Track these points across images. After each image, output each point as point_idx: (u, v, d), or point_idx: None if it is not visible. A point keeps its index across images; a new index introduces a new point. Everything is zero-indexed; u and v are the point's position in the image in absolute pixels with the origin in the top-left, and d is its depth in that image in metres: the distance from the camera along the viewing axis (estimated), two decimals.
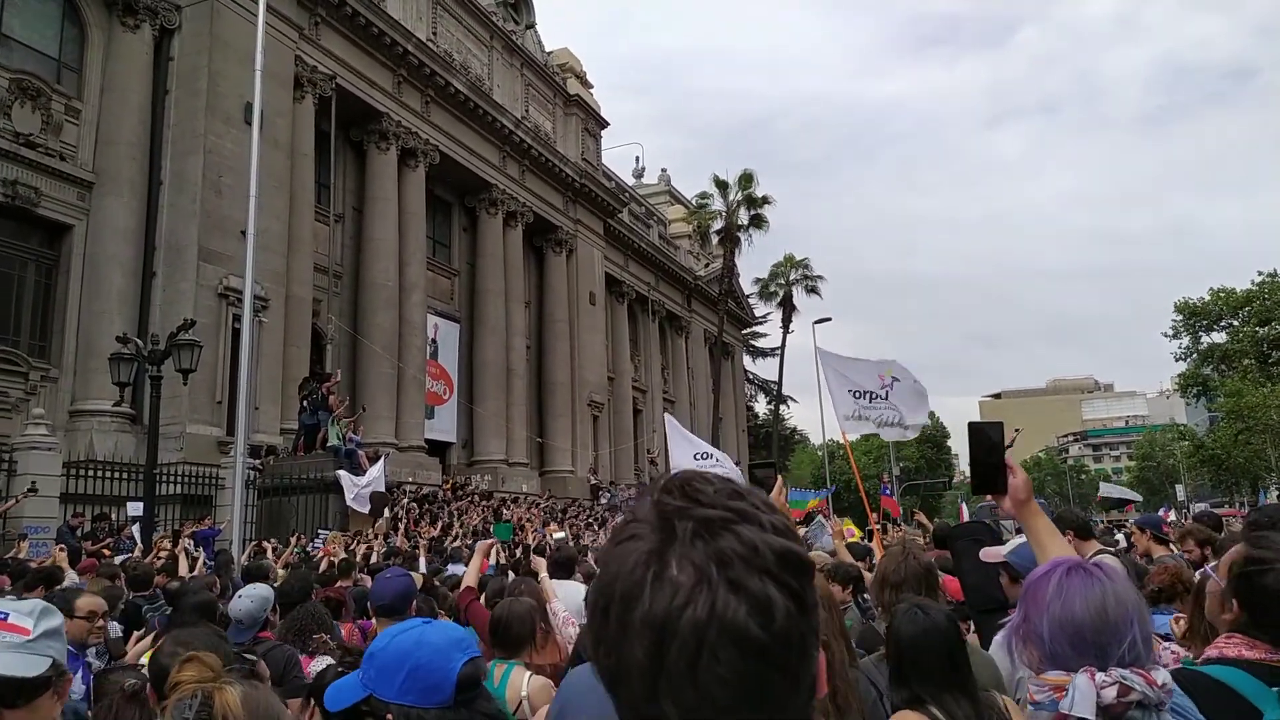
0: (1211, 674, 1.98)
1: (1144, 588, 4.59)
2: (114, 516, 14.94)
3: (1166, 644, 3.54)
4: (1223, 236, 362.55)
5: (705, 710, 0.71)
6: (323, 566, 9.97)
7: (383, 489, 17.55)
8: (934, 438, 73.67)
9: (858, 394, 8.71)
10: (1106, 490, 38.02)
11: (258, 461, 18.05)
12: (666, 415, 10.91)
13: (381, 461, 18.24)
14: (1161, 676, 1.64)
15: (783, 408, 58.36)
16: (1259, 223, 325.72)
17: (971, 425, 2.15)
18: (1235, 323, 43.66)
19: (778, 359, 52.82)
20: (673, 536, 0.76)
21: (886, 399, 8.75)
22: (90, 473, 16.48)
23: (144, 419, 16.12)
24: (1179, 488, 58.34)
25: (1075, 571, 1.75)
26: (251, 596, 4.53)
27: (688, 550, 0.74)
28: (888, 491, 25.45)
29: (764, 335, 59.71)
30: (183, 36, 20.85)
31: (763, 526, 0.77)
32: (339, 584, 7.92)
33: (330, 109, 24.35)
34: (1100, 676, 1.62)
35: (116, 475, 16.73)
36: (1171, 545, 6.55)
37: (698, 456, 9.75)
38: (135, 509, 14.39)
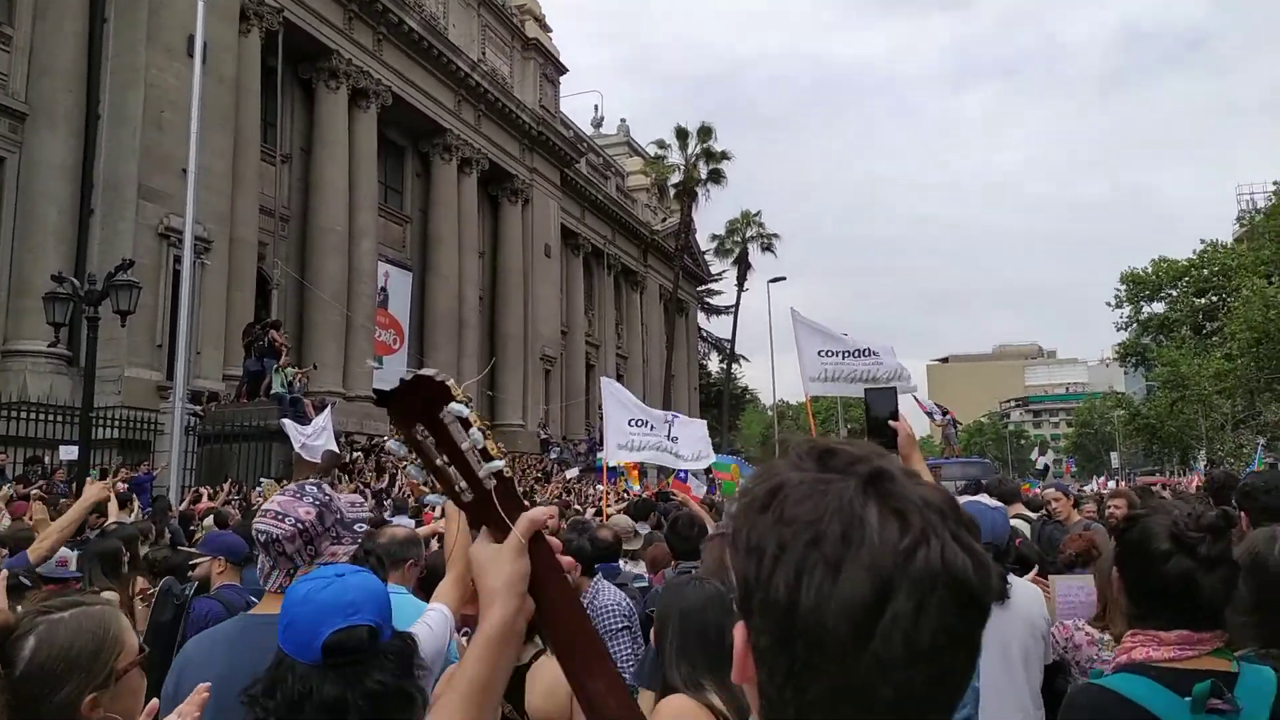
0: (1118, 689, 1.81)
1: (1061, 553, 4.67)
2: (47, 460, 14.54)
3: (1079, 626, 3.49)
4: (1173, 204, 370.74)
5: (924, 653, 0.69)
6: None
7: (331, 439, 17.29)
8: (895, 390, 74.64)
9: (827, 353, 8.68)
10: (1041, 460, 39.52)
11: (199, 407, 17.67)
12: (604, 379, 10.58)
13: (328, 411, 17.92)
14: None
15: (735, 366, 58.72)
16: (1207, 191, 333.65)
17: (868, 391, 2.66)
18: (1174, 293, 44.72)
19: (732, 317, 53.00)
20: (883, 479, 0.73)
21: (865, 355, 8.74)
22: (22, 414, 15.99)
23: (80, 361, 15.64)
24: (1114, 455, 60.13)
25: None
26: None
27: (906, 493, 0.72)
28: None
29: (719, 293, 59.83)
30: None
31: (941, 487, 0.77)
32: None
33: (278, 44, 23.52)
34: None
35: (50, 418, 16.27)
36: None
37: (632, 423, 9.39)
38: (69, 452, 14.01)
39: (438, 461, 1.20)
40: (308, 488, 2.51)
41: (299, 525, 2.35)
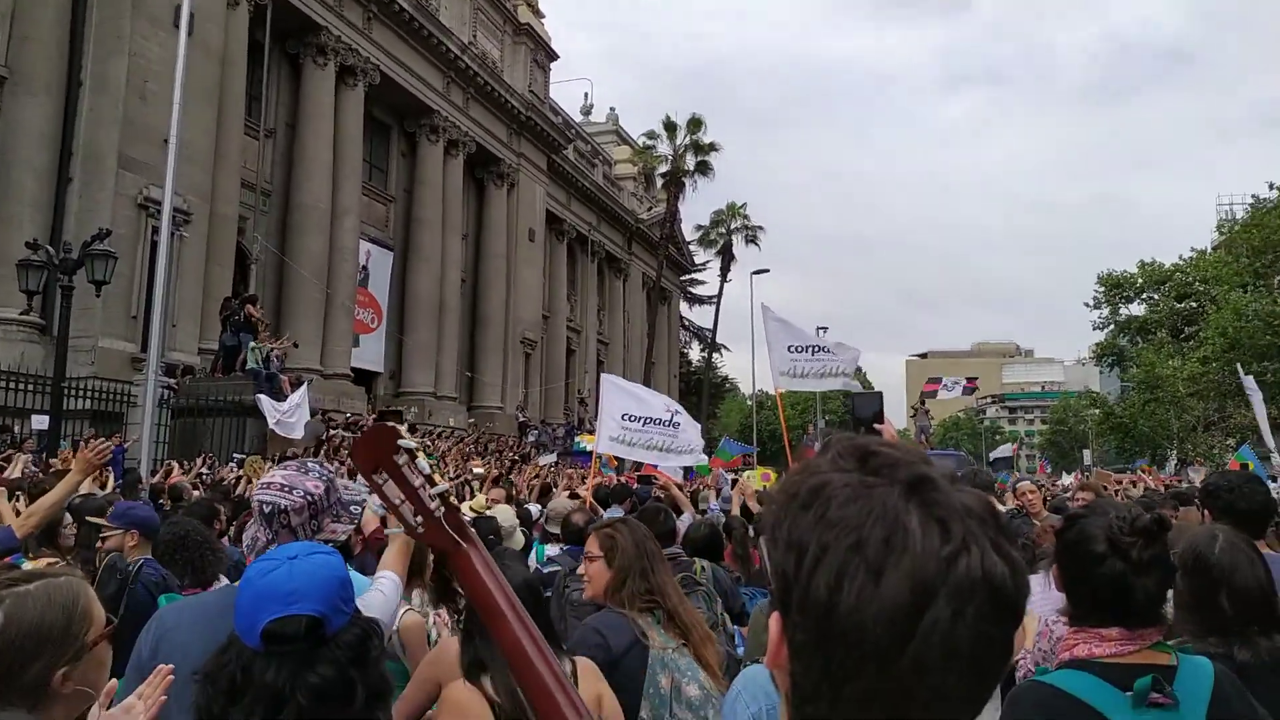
0: (1059, 685, 1.84)
1: (1038, 545, 4.73)
2: (17, 429, 14.41)
3: (1058, 620, 3.62)
4: (1153, 212, 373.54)
5: (962, 657, 0.71)
6: (239, 490, 9.80)
7: (306, 415, 17.23)
8: (880, 393, 74.98)
9: (796, 349, 8.78)
10: (998, 452, 40.06)
11: (173, 380, 17.54)
12: (605, 376, 10.44)
13: (304, 387, 17.85)
14: None
15: (716, 356, 58.85)
16: (1186, 200, 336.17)
17: (855, 395, 2.60)
18: (1156, 296, 45.11)
19: (714, 307, 53.08)
20: (927, 485, 0.74)
21: (825, 351, 8.87)
22: None
23: (54, 330, 15.49)
24: (1086, 452, 60.72)
25: None
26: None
27: (950, 501, 0.74)
28: (811, 443, 25.98)
29: (702, 283, 59.85)
30: None
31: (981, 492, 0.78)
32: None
33: (265, 18, 23.29)
34: None
35: (21, 386, 16.10)
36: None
37: (626, 417, 9.23)
38: (40, 422, 13.89)
39: (395, 502, 1.45)
40: (310, 464, 2.50)
41: (309, 497, 2.32)
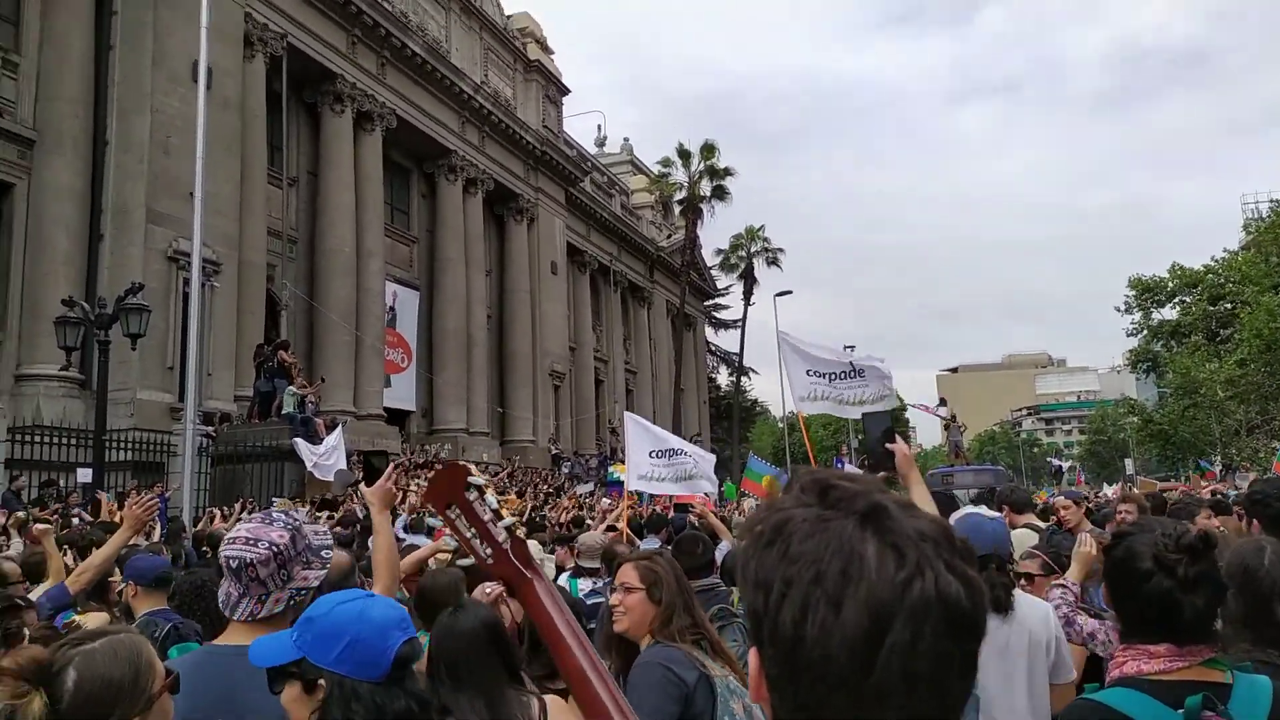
0: (1108, 702, 1.82)
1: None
2: (62, 483, 14.59)
3: (1066, 612, 3.59)
4: (1179, 215, 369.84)
5: (923, 679, 0.73)
6: None
7: (344, 459, 17.33)
8: (890, 411, 74.40)
9: (815, 374, 8.72)
10: (1056, 462, 39.46)
11: (211, 428, 17.73)
12: (627, 414, 10.90)
13: (339, 430, 17.99)
14: None
15: (744, 379, 58.66)
16: (1211, 201, 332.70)
17: (865, 415, 2.74)
18: (1188, 300, 44.53)
19: (739, 331, 52.95)
20: (880, 515, 0.77)
21: (849, 376, 8.77)
22: (37, 438, 16.07)
23: (93, 384, 15.73)
24: (1128, 461, 59.74)
25: None
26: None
27: (903, 528, 0.77)
28: (842, 464, 25.72)
29: (726, 307, 59.79)
30: None
31: (936, 515, 0.82)
32: None
33: (282, 69, 23.73)
34: None
35: (65, 441, 16.34)
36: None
37: (653, 454, 9.62)
38: (85, 475, 14.07)
39: (466, 535, 1.58)
40: (274, 514, 2.51)
41: (274, 549, 2.32)
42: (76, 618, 4.20)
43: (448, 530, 1.66)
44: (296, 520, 2.49)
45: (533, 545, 6.75)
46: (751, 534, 0.83)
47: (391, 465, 15.51)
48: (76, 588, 4.16)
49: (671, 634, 2.95)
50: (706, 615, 3.17)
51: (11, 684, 1.55)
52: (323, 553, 2.51)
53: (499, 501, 1.58)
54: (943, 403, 22.70)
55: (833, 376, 8.61)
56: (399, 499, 17.23)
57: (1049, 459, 42.25)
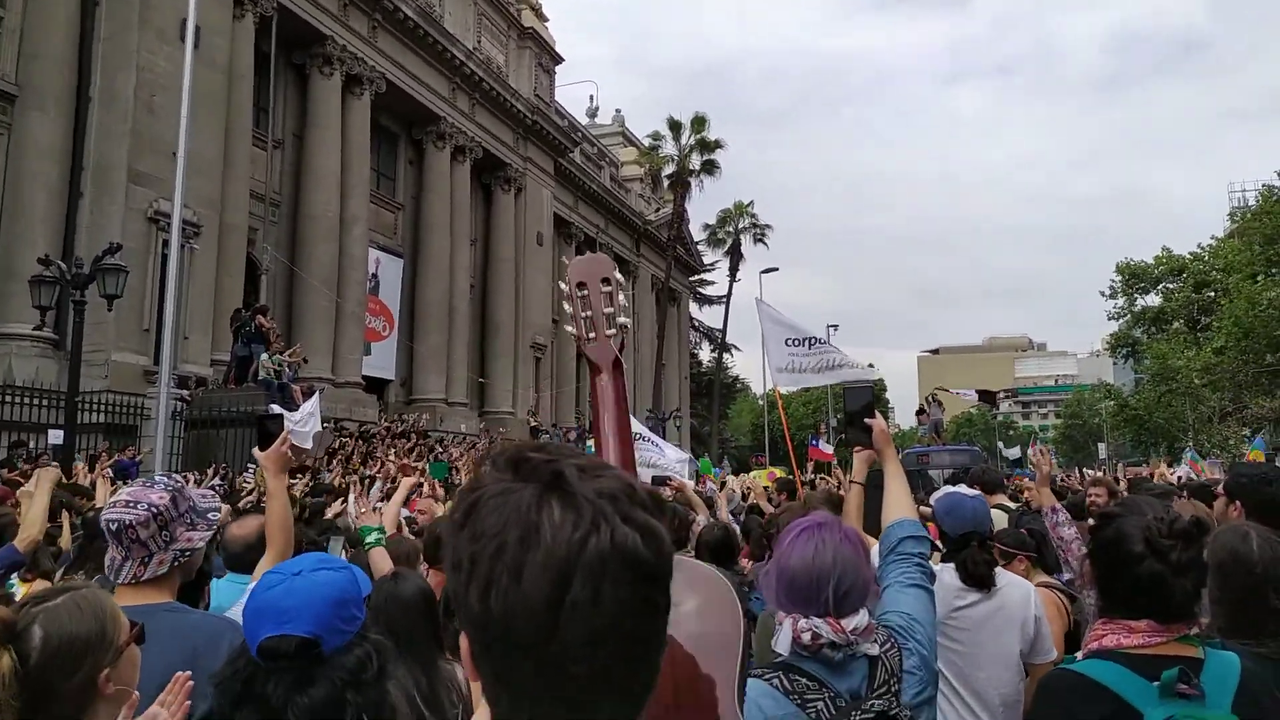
0: (1086, 673, 1.88)
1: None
2: (32, 444, 14.50)
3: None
4: (1167, 203, 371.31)
5: (608, 633, 0.75)
6: (244, 501, 9.80)
7: (318, 425, 17.25)
8: (872, 385, 74.68)
9: (794, 342, 8.70)
10: (1009, 453, 40.04)
11: (186, 392, 17.62)
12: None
13: (316, 397, 17.82)
14: (854, 623, 1.95)
15: (726, 356, 58.75)
16: (1200, 190, 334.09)
17: (846, 389, 2.66)
18: (1172, 286, 44.82)
19: (724, 307, 52.97)
20: (559, 480, 0.79)
21: (824, 343, 8.77)
22: (8, 398, 15.93)
23: (67, 345, 15.58)
24: (1101, 446, 60.37)
25: (805, 531, 2.05)
26: None
27: (579, 489, 0.78)
28: (816, 442, 25.86)
29: (712, 283, 59.74)
30: None
31: (623, 473, 0.84)
32: None
33: (271, 29, 23.38)
34: (801, 622, 1.96)
35: (36, 401, 16.21)
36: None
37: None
38: (56, 436, 13.98)
39: (581, 313, 1.74)
40: (158, 477, 2.56)
41: (153, 510, 2.36)
42: (19, 588, 4.18)
43: (566, 305, 1.79)
44: (179, 483, 2.53)
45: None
46: (450, 517, 0.84)
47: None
48: (24, 546, 4.14)
49: None
50: None
51: None
52: (209, 514, 2.54)
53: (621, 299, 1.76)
54: (938, 402, 22.77)
55: (812, 342, 8.62)
56: (369, 466, 17.21)
57: (1009, 450, 42.73)
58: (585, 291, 1.73)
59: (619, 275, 1.75)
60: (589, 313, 1.72)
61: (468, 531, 0.79)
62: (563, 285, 1.81)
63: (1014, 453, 39.78)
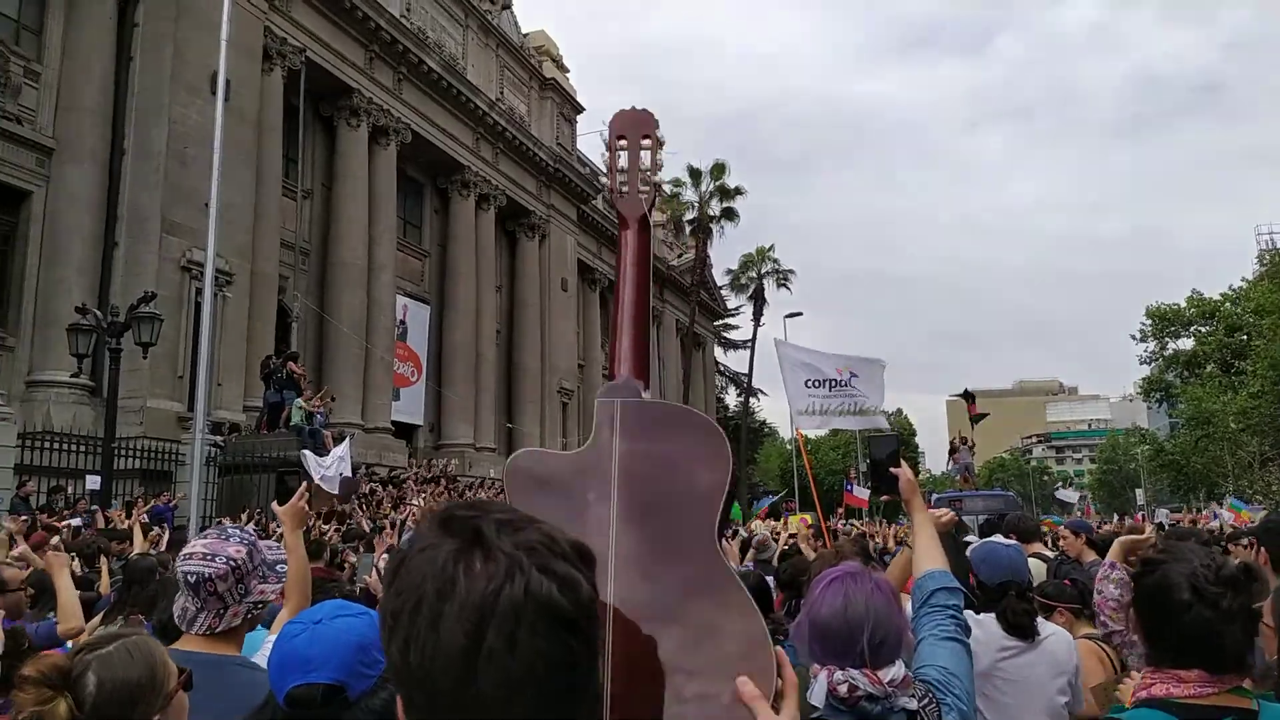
0: None
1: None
2: (70, 489, 14.61)
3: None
4: (1193, 244, 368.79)
5: (525, 681, 0.76)
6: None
7: (349, 470, 17.31)
8: (901, 434, 74.16)
9: (813, 384, 8.61)
10: (1062, 495, 39.25)
11: (219, 438, 17.75)
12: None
13: (346, 442, 17.96)
14: (890, 674, 1.88)
15: (753, 400, 58.52)
16: (1225, 232, 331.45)
17: (871, 439, 2.77)
18: (1204, 329, 44.29)
19: (749, 351, 52.90)
20: (478, 536, 0.80)
21: (845, 385, 8.65)
22: (47, 444, 16.09)
23: (103, 391, 15.78)
24: (1139, 491, 59.28)
25: (836, 580, 1.99)
26: None
27: (496, 543, 0.79)
28: (850, 487, 25.44)
29: (736, 327, 59.78)
30: (147, 2, 20.31)
31: (547, 526, 0.84)
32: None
33: (299, 83, 23.94)
34: (837, 674, 1.90)
35: (74, 448, 16.37)
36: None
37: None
38: (93, 482, 14.09)
39: (617, 166, 1.77)
40: (229, 528, 2.55)
41: (231, 563, 2.36)
42: None
43: (604, 155, 1.84)
44: (252, 535, 2.53)
45: None
46: (384, 578, 0.88)
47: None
48: (65, 633, 4.19)
49: None
50: None
51: (34, 691, 1.59)
52: (278, 567, 2.54)
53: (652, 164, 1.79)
54: (968, 444, 22.47)
55: (832, 384, 8.52)
56: (400, 510, 17.18)
57: (1056, 492, 41.90)
58: (624, 143, 1.76)
59: (660, 133, 1.79)
60: (625, 166, 1.75)
61: (393, 589, 0.81)
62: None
63: (1070, 495, 38.90)
